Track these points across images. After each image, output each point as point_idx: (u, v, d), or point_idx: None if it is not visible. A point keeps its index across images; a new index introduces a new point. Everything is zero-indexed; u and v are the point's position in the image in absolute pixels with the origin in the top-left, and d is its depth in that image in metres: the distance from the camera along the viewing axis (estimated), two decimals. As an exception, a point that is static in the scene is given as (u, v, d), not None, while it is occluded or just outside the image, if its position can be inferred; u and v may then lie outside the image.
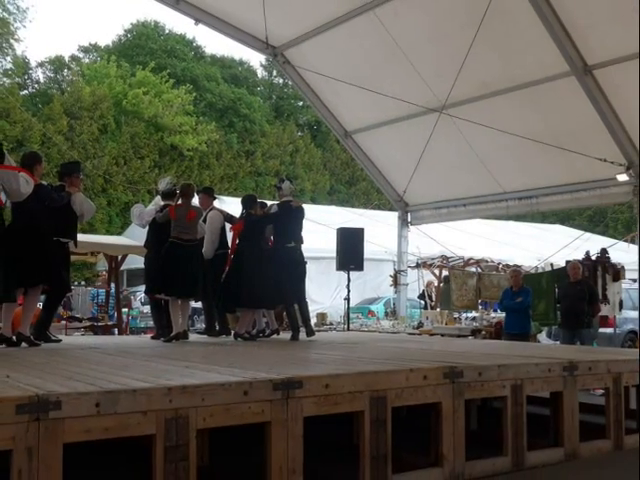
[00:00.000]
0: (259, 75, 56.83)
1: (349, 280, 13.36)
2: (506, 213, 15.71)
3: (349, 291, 13.36)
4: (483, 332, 12.51)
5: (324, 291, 19.85)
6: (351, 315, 14.33)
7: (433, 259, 17.50)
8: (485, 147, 13.99)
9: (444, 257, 17.33)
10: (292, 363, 5.36)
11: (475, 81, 12.94)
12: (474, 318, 14.27)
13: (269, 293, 8.41)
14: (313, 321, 16.85)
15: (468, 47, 12.01)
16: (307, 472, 4.06)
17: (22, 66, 41.43)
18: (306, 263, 9.01)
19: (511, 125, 12.66)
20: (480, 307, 15.44)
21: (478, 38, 11.78)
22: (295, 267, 8.73)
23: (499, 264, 17.71)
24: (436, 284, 17.58)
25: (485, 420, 6.20)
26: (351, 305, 13.93)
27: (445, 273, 16.79)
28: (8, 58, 38.85)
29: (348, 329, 13.50)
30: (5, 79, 39.71)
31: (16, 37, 38.29)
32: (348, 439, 5.12)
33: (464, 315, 15.19)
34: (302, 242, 8.86)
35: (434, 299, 17.26)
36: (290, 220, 8.76)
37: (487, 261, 17.94)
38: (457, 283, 14.90)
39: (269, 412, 3.93)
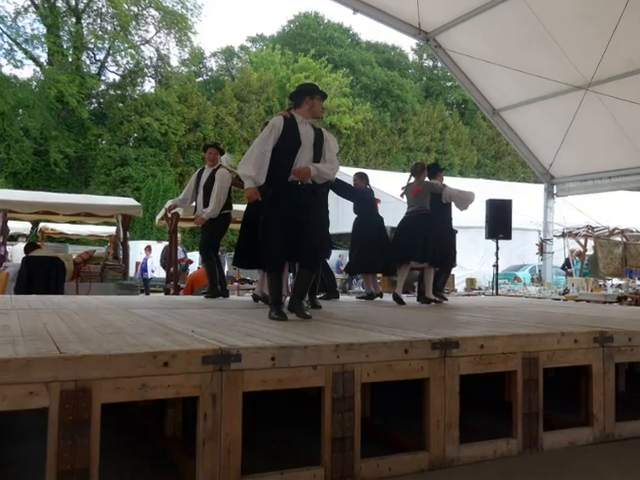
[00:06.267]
0: (410, 59, 56.26)
1: (497, 248, 13.08)
2: (651, 185, 14.92)
3: (497, 258, 13.09)
4: (629, 299, 11.94)
5: (472, 258, 19.52)
6: (498, 281, 14.05)
7: (578, 229, 16.86)
8: (630, 122, 13.25)
9: (589, 227, 16.65)
10: (447, 325, 5.27)
11: (621, 59, 12.26)
12: (619, 285, 13.66)
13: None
14: (462, 285, 16.76)
15: (615, 25, 11.39)
16: (461, 426, 4.00)
17: (198, 56, 43.03)
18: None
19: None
20: (626, 275, 14.72)
21: (625, 15, 11.14)
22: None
23: (645, 234, 16.80)
24: (581, 251, 16.95)
25: (633, 383, 5.93)
26: (498, 271, 13.64)
27: (590, 242, 16.16)
28: (186, 49, 40.43)
29: (497, 294, 13.26)
30: (183, 68, 41.42)
31: (193, 31, 39.73)
32: (499, 396, 5.04)
33: (609, 282, 14.58)
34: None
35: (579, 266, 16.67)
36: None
37: (632, 231, 17.04)
38: (603, 252, 14.28)
39: (428, 369, 3.91)
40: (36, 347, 3.20)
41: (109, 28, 39.07)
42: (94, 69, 40.29)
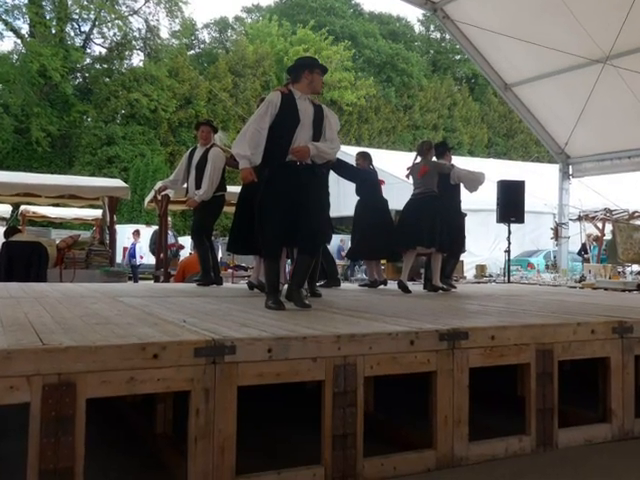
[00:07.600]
0: (416, 30, 56.06)
1: (509, 232, 13.05)
2: (674, 165, 14.87)
3: (510, 243, 13.06)
4: (649, 286, 11.92)
5: (482, 243, 19.50)
6: (510, 267, 14.03)
7: (596, 212, 16.83)
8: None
9: (607, 210, 16.62)
10: (456, 314, 5.26)
11: (642, 30, 12.22)
12: (639, 272, 13.67)
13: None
14: (472, 272, 16.75)
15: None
16: (471, 422, 3.98)
17: (189, 28, 42.85)
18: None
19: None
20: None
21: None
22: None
23: (666, 217, 16.76)
24: (599, 236, 16.93)
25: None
26: (510, 257, 13.62)
27: (608, 226, 16.14)
28: (177, 20, 40.25)
29: (509, 281, 13.25)
30: (174, 40, 41.24)
31: (184, 0, 39.54)
32: (511, 391, 5.03)
33: (628, 269, 14.56)
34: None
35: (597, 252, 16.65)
36: None
37: (653, 214, 17.03)
38: (622, 236, 14.26)
39: (435, 362, 3.89)
40: (17, 338, 3.18)
41: (95, -3, 38.85)
42: (79, 41, 40.14)
